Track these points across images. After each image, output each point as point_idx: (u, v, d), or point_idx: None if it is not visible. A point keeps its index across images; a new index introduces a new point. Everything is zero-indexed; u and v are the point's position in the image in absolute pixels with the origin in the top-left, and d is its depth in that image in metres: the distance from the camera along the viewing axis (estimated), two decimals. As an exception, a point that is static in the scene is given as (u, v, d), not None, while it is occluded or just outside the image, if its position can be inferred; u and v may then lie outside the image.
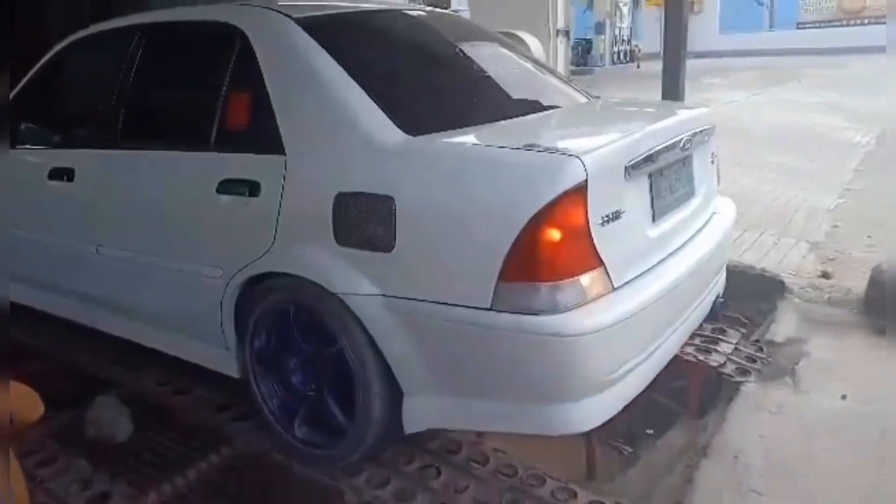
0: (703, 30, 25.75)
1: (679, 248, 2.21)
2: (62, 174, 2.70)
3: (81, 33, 2.99)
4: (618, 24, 22.84)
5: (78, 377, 2.90)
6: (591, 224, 1.74)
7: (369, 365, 1.95)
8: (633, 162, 1.92)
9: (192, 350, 2.49)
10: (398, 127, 1.94)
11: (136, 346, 2.77)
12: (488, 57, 2.74)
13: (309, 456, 2.19)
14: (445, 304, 1.78)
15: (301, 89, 2.10)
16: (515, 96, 2.55)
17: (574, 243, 1.73)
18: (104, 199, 2.62)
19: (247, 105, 2.20)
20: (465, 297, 1.75)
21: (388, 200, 1.81)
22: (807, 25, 24.83)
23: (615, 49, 22.60)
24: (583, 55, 21.12)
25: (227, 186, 2.15)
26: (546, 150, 1.77)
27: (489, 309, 1.72)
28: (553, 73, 2.98)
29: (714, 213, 2.62)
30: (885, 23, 23.09)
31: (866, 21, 24.10)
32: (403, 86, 2.29)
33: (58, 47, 3.02)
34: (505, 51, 2.89)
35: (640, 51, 22.08)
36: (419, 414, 1.97)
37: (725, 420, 2.46)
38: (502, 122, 2.21)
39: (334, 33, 2.25)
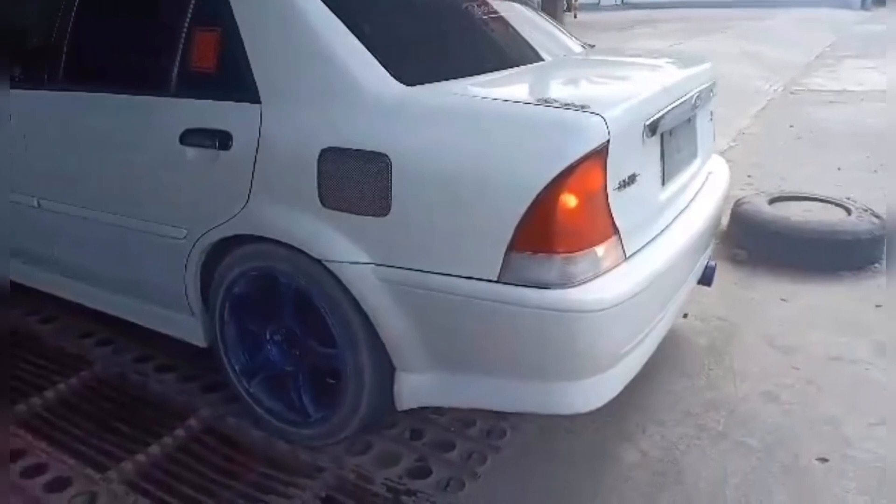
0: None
1: (682, 211, 2.08)
2: None
3: None
4: (556, -27, 22.71)
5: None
6: (608, 190, 1.59)
7: (358, 339, 1.79)
8: (651, 121, 1.76)
9: (152, 316, 2.28)
10: (392, 75, 1.73)
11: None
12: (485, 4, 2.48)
13: (292, 434, 2.04)
14: (446, 274, 1.62)
15: (278, 29, 1.83)
16: (511, 43, 2.36)
17: (591, 211, 1.57)
18: (46, 147, 2.33)
19: (214, 45, 1.92)
20: (469, 268, 1.59)
21: (382, 159, 1.61)
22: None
23: (553, -2, 22.50)
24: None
25: (193, 137, 1.90)
26: (564, 105, 1.58)
27: (496, 281, 1.57)
28: (545, 17, 2.75)
29: (710, 172, 2.50)
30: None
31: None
32: (392, 29, 2.03)
33: None
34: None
35: (577, 0, 22.05)
36: (413, 390, 1.83)
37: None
38: (502, 72, 2.02)
39: None
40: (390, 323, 1.73)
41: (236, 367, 2.09)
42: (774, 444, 2.03)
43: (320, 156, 1.69)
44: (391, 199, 1.62)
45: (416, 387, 1.83)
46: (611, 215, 1.61)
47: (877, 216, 3.36)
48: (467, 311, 1.63)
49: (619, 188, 1.63)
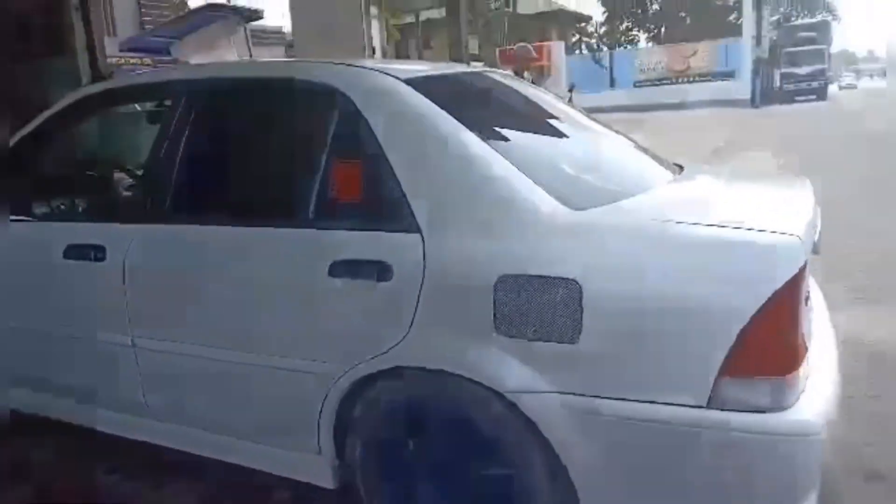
0: (555, 91, 27.90)
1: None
2: (87, 252, 2.21)
3: (104, 85, 2.69)
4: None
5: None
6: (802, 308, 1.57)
7: (538, 473, 1.68)
8: (816, 239, 1.79)
9: (268, 457, 2.10)
10: (557, 200, 1.70)
11: None
12: (575, 119, 2.50)
13: None
14: (646, 402, 1.54)
15: (434, 160, 1.82)
16: (635, 165, 2.30)
17: (794, 330, 1.54)
18: (150, 281, 2.16)
19: (359, 176, 1.90)
20: (672, 395, 1.52)
21: (571, 284, 1.56)
22: (643, 84, 27.56)
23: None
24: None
25: (345, 269, 1.82)
26: (756, 229, 1.58)
27: (705, 407, 1.49)
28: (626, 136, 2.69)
29: None
30: (709, 80, 26.50)
31: (691, 79, 27.36)
32: (534, 153, 2.00)
33: (70, 100, 2.57)
34: (579, 113, 2.63)
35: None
36: None
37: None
38: (647, 193, 1.95)
39: (446, 96, 1.98)
40: (580, 455, 1.63)
41: None
42: None
43: (497, 283, 1.63)
44: (582, 326, 1.56)
45: None
46: (804, 333, 1.59)
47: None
48: (670, 439, 1.55)
49: (805, 303, 1.63)
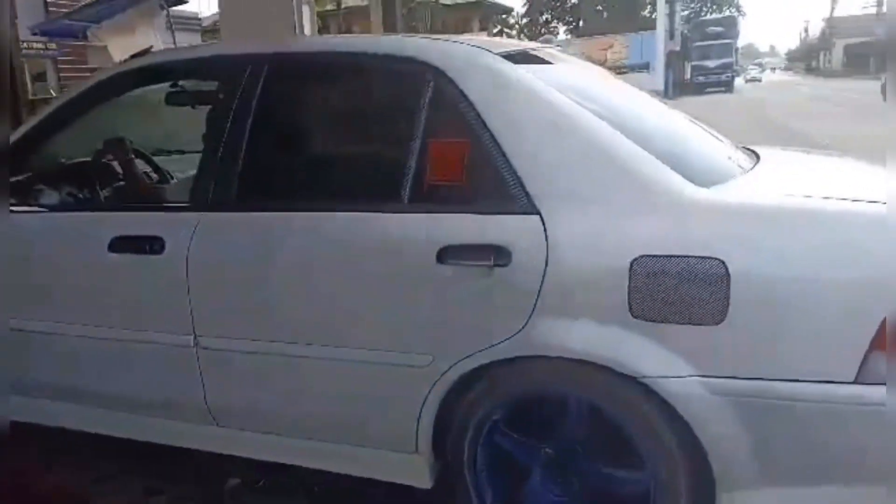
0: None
1: None
2: (142, 245, 2.00)
3: (145, 60, 2.40)
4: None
5: None
6: None
7: (676, 460, 1.62)
8: None
9: (356, 459, 1.96)
10: (683, 177, 1.64)
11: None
12: (652, 100, 2.42)
13: None
14: (791, 380, 1.51)
15: (545, 135, 1.73)
16: (713, 144, 2.20)
17: None
18: (221, 274, 1.97)
19: (462, 155, 1.77)
20: (819, 372, 1.50)
21: (716, 264, 1.51)
22: (563, 75, 28.17)
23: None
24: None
25: (456, 255, 1.70)
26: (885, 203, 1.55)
27: (853, 382, 1.47)
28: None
29: None
30: (626, 71, 27.54)
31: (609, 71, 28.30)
32: (643, 129, 1.91)
33: (103, 76, 2.32)
34: (650, 96, 2.51)
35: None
36: None
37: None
38: (750, 173, 1.93)
39: (540, 70, 1.93)
40: (722, 438, 1.58)
41: None
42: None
43: (632, 264, 1.56)
44: (728, 306, 1.51)
45: None
46: None
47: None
48: (816, 417, 1.52)
49: None
